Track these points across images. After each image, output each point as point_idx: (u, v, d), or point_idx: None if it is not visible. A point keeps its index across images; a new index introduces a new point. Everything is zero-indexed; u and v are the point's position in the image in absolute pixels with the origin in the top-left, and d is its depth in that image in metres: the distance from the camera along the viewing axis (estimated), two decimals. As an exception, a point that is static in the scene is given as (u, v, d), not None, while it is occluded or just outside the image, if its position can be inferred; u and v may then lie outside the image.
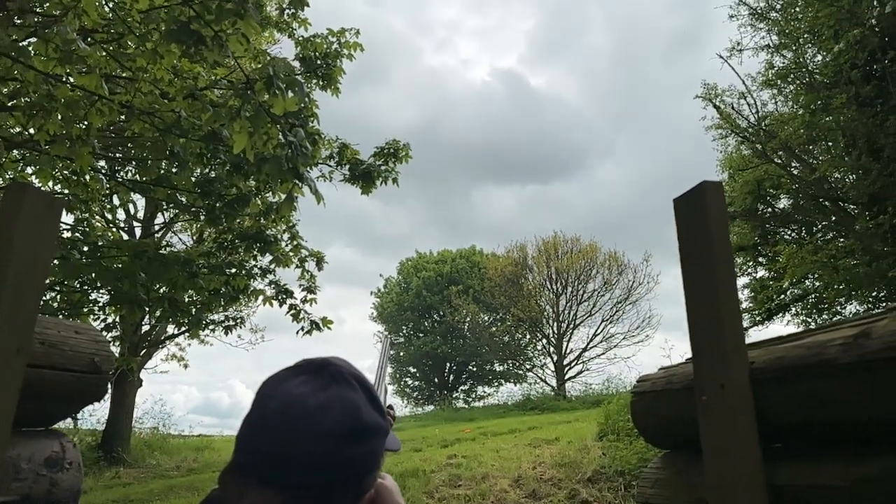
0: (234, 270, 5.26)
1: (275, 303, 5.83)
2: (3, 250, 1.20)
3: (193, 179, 4.90)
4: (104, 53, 4.05)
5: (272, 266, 5.99)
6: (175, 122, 3.89)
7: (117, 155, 5.16)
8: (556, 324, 25.57)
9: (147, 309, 4.85)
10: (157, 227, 12.62)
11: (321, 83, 5.05)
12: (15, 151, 4.25)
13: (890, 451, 0.99)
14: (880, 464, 0.99)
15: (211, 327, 9.47)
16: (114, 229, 9.90)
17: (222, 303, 5.50)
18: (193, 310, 5.32)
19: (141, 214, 12.84)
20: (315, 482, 0.75)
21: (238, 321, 8.89)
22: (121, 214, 11.91)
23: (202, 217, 5.01)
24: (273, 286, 6.25)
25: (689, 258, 1.38)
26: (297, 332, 6.25)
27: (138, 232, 12.45)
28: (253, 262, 6.09)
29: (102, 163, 5.64)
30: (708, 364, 1.28)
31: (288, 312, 5.91)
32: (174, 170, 4.65)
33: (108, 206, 9.74)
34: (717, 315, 1.28)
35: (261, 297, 5.86)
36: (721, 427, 1.22)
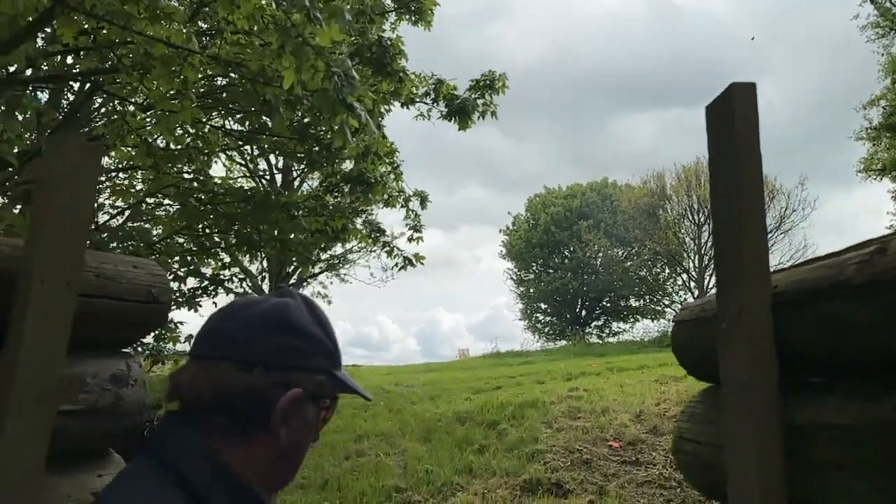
0: (330, 209, 5.49)
1: (369, 241, 6.09)
2: (47, 196, 1.35)
3: (290, 125, 5.14)
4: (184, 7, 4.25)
5: (366, 207, 6.17)
6: (261, 70, 4.06)
7: (220, 108, 5.52)
8: (697, 257, 24.24)
9: (261, 248, 5.30)
10: (294, 176, 13.45)
11: (413, 18, 5.00)
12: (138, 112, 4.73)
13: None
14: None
15: (342, 266, 9.97)
16: (235, 178, 10.54)
17: (322, 244, 5.81)
18: (301, 249, 5.69)
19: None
20: (217, 356, 0.79)
21: (350, 262, 9.14)
22: (262, 164, 12.78)
23: (304, 162, 5.27)
24: (367, 226, 6.39)
25: (716, 175, 1.24)
26: (392, 269, 6.55)
27: (279, 179, 13.33)
28: (356, 203, 6.27)
29: (214, 114, 6.07)
30: (729, 289, 1.17)
31: (382, 250, 6.14)
32: (266, 118, 4.88)
33: (249, 157, 10.51)
34: (739, 237, 1.15)
35: (358, 237, 6.12)
36: (737, 355, 1.12)
